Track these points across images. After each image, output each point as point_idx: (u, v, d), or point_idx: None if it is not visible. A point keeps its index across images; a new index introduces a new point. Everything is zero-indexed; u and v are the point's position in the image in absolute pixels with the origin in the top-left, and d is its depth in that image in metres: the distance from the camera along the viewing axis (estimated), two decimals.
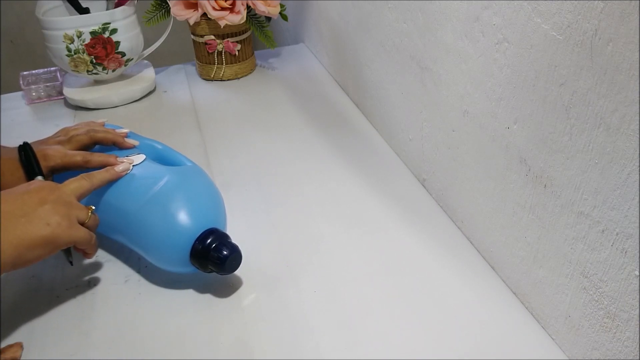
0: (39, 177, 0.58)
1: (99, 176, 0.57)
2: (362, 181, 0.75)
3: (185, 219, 0.55)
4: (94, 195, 0.57)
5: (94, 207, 0.55)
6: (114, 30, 0.93)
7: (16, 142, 0.65)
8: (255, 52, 1.12)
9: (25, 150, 0.59)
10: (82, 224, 0.53)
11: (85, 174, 0.56)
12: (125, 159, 0.60)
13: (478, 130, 0.57)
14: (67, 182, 0.54)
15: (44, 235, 0.48)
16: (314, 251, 0.63)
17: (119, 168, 0.59)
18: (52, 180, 0.60)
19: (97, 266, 0.62)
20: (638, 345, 0.41)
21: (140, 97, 1.01)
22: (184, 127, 0.91)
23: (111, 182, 0.58)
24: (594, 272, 0.44)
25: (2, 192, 0.50)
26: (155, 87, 1.04)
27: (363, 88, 0.89)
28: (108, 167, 0.59)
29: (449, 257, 0.62)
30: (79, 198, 0.54)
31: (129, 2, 0.95)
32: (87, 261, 0.63)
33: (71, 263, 0.58)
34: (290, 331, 0.54)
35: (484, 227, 0.60)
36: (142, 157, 0.61)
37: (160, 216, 0.55)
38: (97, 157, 0.61)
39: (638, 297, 0.40)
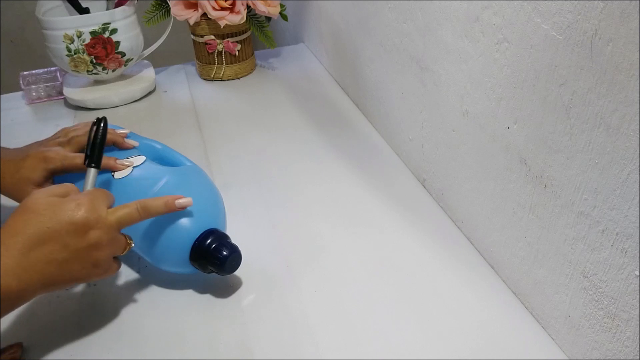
0: (71, 186, 0.51)
1: (154, 210, 0.51)
2: (362, 181, 0.75)
3: (185, 220, 0.55)
4: None
5: (133, 244, 0.52)
6: (114, 30, 0.93)
7: (16, 143, 0.66)
8: (255, 52, 1.12)
9: (98, 128, 0.55)
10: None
11: (140, 204, 0.50)
12: (125, 161, 0.60)
13: (478, 130, 0.57)
14: (117, 208, 0.50)
15: (80, 278, 0.48)
16: (314, 251, 0.63)
17: (180, 202, 0.52)
18: (52, 182, 0.60)
19: None
20: (638, 345, 0.41)
21: (140, 97, 1.01)
22: (184, 127, 0.91)
23: (112, 188, 0.58)
24: (594, 272, 0.44)
25: (43, 213, 0.45)
26: (155, 87, 1.04)
27: (363, 88, 0.89)
28: (167, 200, 0.52)
29: (449, 257, 0.62)
30: (123, 227, 0.50)
31: (129, 2, 0.95)
32: None
33: None
34: (290, 331, 0.54)
35: (484, 227, 0.60)
36: (142, 158, 0.61)
37: (160, 217, 0.55)
38: None
39: (638, 297, 0.40)
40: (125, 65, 0.99)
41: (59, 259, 0.45)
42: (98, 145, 0.55)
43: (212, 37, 1.02)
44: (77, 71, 0.95)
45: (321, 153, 0.82)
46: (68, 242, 0.46)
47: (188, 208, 0.55)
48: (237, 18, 0.98)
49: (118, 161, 0.60)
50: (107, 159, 0.60)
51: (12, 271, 0.43)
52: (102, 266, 0.48)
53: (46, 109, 1.00)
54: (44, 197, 0.47)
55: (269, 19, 1.07)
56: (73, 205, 0.47)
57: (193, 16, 0.98)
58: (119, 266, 0.52)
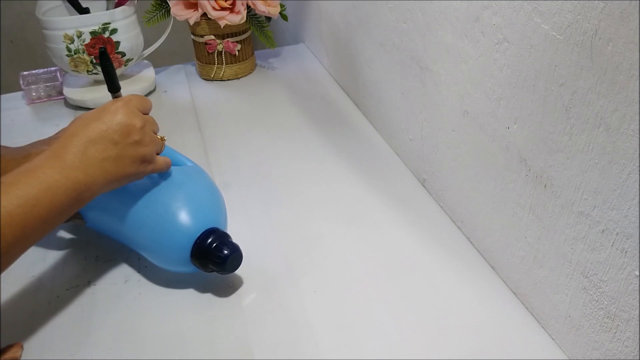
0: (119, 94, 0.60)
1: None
2: (362, 181, 0.75)
3: (186, 219, 0.55)
4: None
5: (166, 138, 0.57)
6: (114, 30, 0.93)
7: (16, 143, 0.66)
8: (255, 52, 1.12)
9: (103, 57, 0.60)
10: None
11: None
12: None
13: (478, 130, 0.57)
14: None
15: (134, 173, 0.53)
16: (314, 251, 0.63)
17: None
18: None
19: (97, 266, 0.62)
20: (638, 345, 0.41)
21: None
22: (184, 127, 0.91)
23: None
24: (594, 272, 0.44)
25: (90, 119, 0.52)
26: (155, 87, 1.04)
27: (363, 88, 0.89)
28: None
29: (449, 257, 0.62)
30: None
31: (129, 2, 0.95)
32: (87, 261, 0.63)
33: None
34: (290, 331, 0.54)
35: (484, 227, 0.60)
36: None
37: (161, 216, 0.55)
38: None
39: (638, 297, 0.40)
40: (125, 65, 0.99)
41: (113, 156, 0.51)
42: (110, 73, 0.60)
43: (212, 37, 1.02)
44: (77, 71, 0.95)
45: (321, 153, 0.82)
46: (116, 139, 0.51)
47: (189, 207, 0.56)
48: (237, 18, 0.98)
49: None
50: None
51: (77, 166, 0.48)
52: (149, 161, 0.54)
53: (46, 109, 1.00)
54: (86, 112, 0.53)
55: (269, 19, 1.07)
56: (113, 108, 0.53)
57: (193, 16, 0.98)
58: (167, 161, 0.57)
